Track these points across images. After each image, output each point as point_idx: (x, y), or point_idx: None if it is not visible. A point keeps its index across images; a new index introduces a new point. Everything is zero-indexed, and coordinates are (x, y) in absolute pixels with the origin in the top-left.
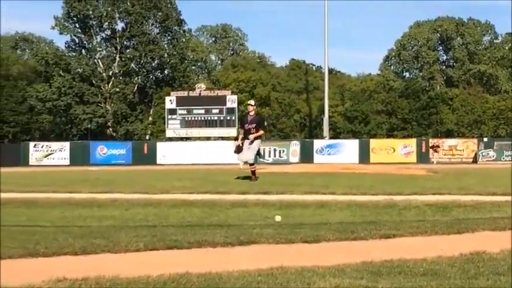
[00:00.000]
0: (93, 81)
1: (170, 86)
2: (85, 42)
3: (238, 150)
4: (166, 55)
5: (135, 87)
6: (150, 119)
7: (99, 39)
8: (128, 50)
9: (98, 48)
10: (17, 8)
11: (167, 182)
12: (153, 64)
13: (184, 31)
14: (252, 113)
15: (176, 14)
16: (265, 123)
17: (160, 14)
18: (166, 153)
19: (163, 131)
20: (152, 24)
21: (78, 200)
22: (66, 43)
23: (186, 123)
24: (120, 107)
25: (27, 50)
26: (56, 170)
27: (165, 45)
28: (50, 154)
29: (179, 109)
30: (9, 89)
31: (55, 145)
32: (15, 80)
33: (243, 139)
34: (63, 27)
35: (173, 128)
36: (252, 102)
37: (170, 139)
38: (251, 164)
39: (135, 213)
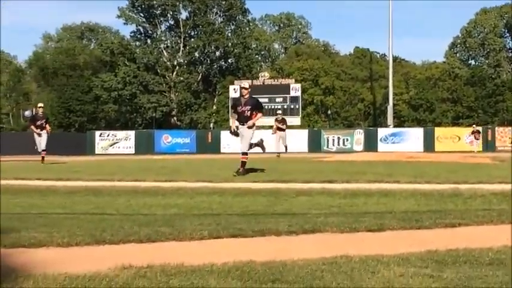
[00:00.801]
0: (158, 71)
1: (234, 75)
2: (150, 31)
3: (235, 134)
4: (230, 44)
5: (199, 77)
6: (214, 107)
7: (163, 29)
8: (192, 40)
9: (163, 38)
10: None
11: (231, 171)
12: (217, 53)
13: (248, 20)
14: (246, 96)
15: (240, 3)
16: (260, 106)
17: (224, 3)
18: (230, 141)
19: (227, 119)
20: (216, 13)
21: (143, 188)
22: (131, 33)
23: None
24: (185, 96)
25: (93, 40)
26: (122, 158)
27: (229, 35)
28: (116, 143)
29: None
30: (75, 79)
31: (120, 134)
32: (81, 70)
33: (238, 122)
34: (128, 17)
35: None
36: (247, 85)
37: None
38: (244, 153)
39: (199, 202)
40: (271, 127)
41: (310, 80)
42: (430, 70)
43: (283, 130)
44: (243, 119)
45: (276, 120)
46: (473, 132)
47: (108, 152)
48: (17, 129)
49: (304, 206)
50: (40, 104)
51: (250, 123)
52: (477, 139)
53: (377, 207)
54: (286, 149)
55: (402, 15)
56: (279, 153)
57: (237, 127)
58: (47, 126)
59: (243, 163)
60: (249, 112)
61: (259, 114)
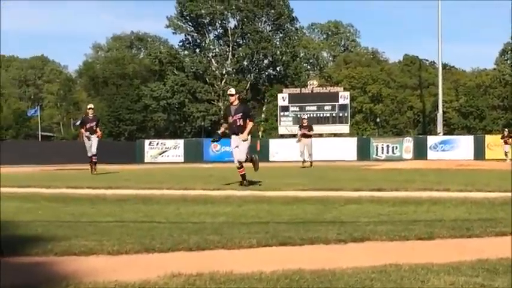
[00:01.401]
0: (207, 79)
1: (282, 83)
2: (198, 40)
3: (217, 139)
4: (278, 52)
5: (248, 85)
6: (263, 116)
7: (212, 37)
8: (240, 48)
9: (211, 46)
10: (132, 8)
11: (280, 179)
12: (266, 61)
13: (296, 28)
14: (235, 103)
15: (288, 11)
16: (251, 113)
17: (273, 11)
18: (279, 150)
19: (275, 128)
20: (265, 22)
21: (192, 196)
22: (180, 42)
23: (299, 120)
24: None
25: (142, 49)
26: (171, 167)
27: (277, 43)
28: (165, 151)
29: (291, 106)
30: (125, 88)
31: (169, 142)
32: (131, 79)
33: (231, 133)
34: (176, 26)
35: (285, 125)
36: (233, 91)
37: (282, 136)
38: (239, 167)
39: (247, 210)
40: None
41: (358, 88)
42: (480, 77)
43: (309, 137)
44: (235, 129)
45: (301, 126)
46: (503, 137)
47: (158, 161)
48: (67, 138)
49: (353, 214)
50: (90, 105)
51: (244, 135)
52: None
53: (427, 216)
54: (310, 157)
55: (452, 23)
56: (304, 161)
57: (222, 133)
58: (98, 129)
59: (243, 176)
60: (241, 120)
61: (250, 124)
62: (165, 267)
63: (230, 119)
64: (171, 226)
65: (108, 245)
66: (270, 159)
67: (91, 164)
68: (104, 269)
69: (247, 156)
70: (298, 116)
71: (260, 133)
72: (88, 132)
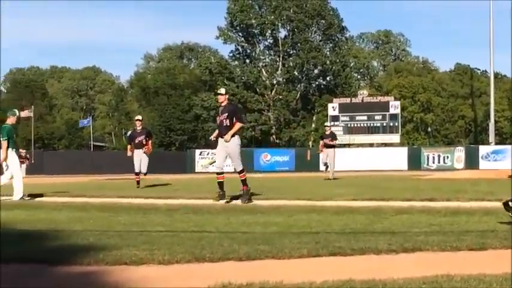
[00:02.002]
0: (257, 89)
1: (332, 93)
2: (248, 50)
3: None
4: (328, 62)
5: (298, 95)
6: (313, 125)
7: (262, 48)
8: (290, 58)
9: (261, 57)
10: (183, 19)
11: (330, 189)
12: (316, 71)
13: (346, 38)
14: (223, 103)
15: (338, 21)
16: (242, 114)
17: (323, 21)
18: None
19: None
20: (315, 32)
21: (243, 206)
22: (230, 52)
23: (349, 130)
24: (283, 114)
25: (192, 60)
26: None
27: (327, 53)
28: (215, 161)
29: (342, 116)
30: (175, 98)
31: None
32: (182, 89)
33: (218, 136)
34: (227, 36)
35: (336, 134)
36: (223, 90)
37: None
38: (240, 171)
39: (298, 220)
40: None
41: (409, 97)
42: None
43: (332, 147)
44: (222, 130)
45: (324, 134)
46: None
47: (208, 171)
48: (119, 148)
49: (404, 224)
50: (138, 117)
51: (227, 136)
52: None
53: (479, 226)
54: (332, 169)
55: (504, 31)
56: (326, 168)
57: (216, 140)
58: (149, 143)
59: (221, 184)
60: (228, 121)
61: (238, 125)
62: (215, 277)
63: (218, 119)
64: (221, 236)
65: (159, 255)
66: (321, 169)
67: (137, 179)
68: (154, 278)
69: (242, 166)
70: (349, 125)
71: (310, 143)
72: (139, 149)
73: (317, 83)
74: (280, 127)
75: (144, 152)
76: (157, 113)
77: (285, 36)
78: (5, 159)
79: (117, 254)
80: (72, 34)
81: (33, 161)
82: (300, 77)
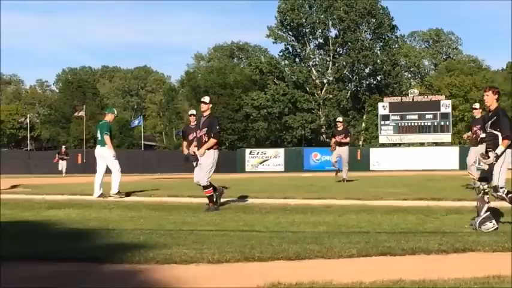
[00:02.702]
0: (307, 88)
1: (382, 92)
2: (298, 50)
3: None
4: (379, 61)
5: (348, 94)
6: (363, 125)
7: (312, 47)
8: (340, 57)
9: (311, 56)
10: (233, 18)
11: (380, 189)
12: (366, 71)
13: (396, 37)
14: (205, 113)
15: (389, 20)
16: (218, 127)
17: (373, 20)
18: (380, 159)
19: (376, 137)
20: (365, 31)
21: (292, 205)
22: (280, 51)
23: (400, 129)
24: (333, 113)
25: (243, 59)
26: (271, 176)
27: (378, 52)
28: (265, 160)
29: (392, 115)
30: (226, 97)
31: (270, 152)
32: (232, 89)
33: (195, 146)
34: (277, 36)
35: (386, 133)
36: (207, 99)
37: (383, 145)
38: (205, 187)
39: (348, 219)
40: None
41: (460, 96)
42: None
43: (345, 144)
44: (200, 145)
45: (336, 131)
46: None
47: (258, 170)
48: (169, 148)
49: (455, 224)
50: (191, 111)
51: (201, 151)
52: None
53: None
54: (346, 170)
55: None
56: (337, 172)
57: (193, 153)
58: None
59: (210, 198)
60: (206, 137)
61: (212, 141)
62: (265, 276)
63: (198, 133)
64: (271, 235)
65: (209, 254)
66: (371, 168)
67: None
68: (203, 277)
69: (208, 182)
70: (399, 125)
71: (361, 142)
72: (193, 147)
73: (367, 82)
74: (330, 126)
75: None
76: None
77: (336, 35)
78: (114, 154)
79: (167, 252)
80: (124, 34)
81: (84, 160)
82: (350, 76)
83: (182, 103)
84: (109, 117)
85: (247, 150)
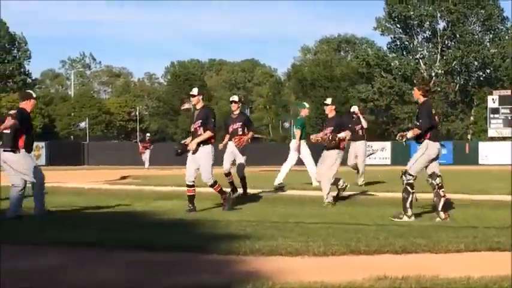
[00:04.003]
0: (414, 81)
1: (492, 85)
2: (406, 42)
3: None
4: (489, 54)
5: (457, 87)
6: (472, 118)
7: (420, 39)
8: (449, 50)
9: (419, 48)
10: (340, 10)
11: (488, 183)
12: (476, 63)
13: (507, 28)
14: (198, 106)
15: (499, 11)
16: (212, 120)
17: (483, 12)
18: (489, 153)
19: (485, 130)
20: (474, 22)
21: (398, 199)
22: (387, 44)
23: (509, 123)
24: (441, 107)
25: (349, 52)
26: (378, 169)
27: (488, 44)
28: (372, 154)
29: (502, 108)
30: (332, 91)
31: (376, 145)
32: (339, 82)
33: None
34: (384, 28)
35: (495, 127)
36: (195, 91)
37: (492, 139)
38: (212, 185)
39: (455, 213)
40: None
41: None
42: None
43: (362, 138)
44: (193, 137)
45: (353, 120)
46: None
47: (367, 163)
48: (276, 140)
49: None
50: (233, 98)
51: (192, 145)
52: None
53: None
54: (362, 168)
55: None
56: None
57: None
58: (247, 133)
59: (221, 192)
60: (201, 129)
61: (208, 133)
62: (371, 270)
63: (193, 126)
64: (376, 228)
65: (314, 246)
66: (480, 162)
67: (229, 180)
68: (308, 270)
69: (213, 180)
70: (510, 118)
71: (469, 136)
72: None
73: (476, 75)
74: (440, 119)
75: (237, 146)
76: (314, 105)
77: (444, 27)
78: (298, 147)
79: (273, 244)
80: (232, 27)
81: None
82: (459, 69)
83: (289, 96)
84: (304, 112)
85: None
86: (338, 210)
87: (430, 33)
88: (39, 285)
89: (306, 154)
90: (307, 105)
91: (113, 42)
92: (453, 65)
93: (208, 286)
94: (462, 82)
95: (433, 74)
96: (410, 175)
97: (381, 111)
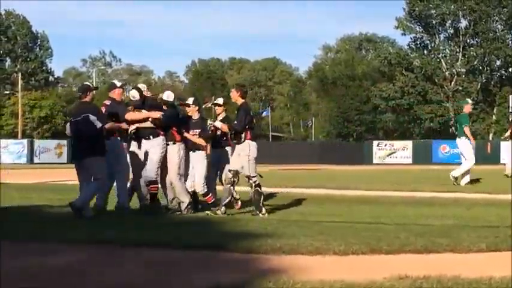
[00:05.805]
0: (436, 80)
1: None
2: (427, 41)
3: None
4: (511, 53)
5: (479, 86)
6: (494, 118)
7: (441, 38)
8: (471, 48)
9: (441, 47)
10: (361, 9)
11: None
12: (498, 62)
13: None
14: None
15: None
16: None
17: (505, 10)
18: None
19: (507, 129)
20: (496, 21)
21: (419, 198)
22: (408, 43)
23: None
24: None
25: (371, 51)
26: (399, 169)
27: (510, 43)
28: (393, 153)
29: None
30: (354, 89)
31: (398, 144)
32: (360, 80)
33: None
34: (405, 27)
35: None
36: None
37: None
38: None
39: (476, 213)
40: None
41: None
42: None
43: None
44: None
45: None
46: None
47: (386, 162)
48: (296, 139)
49: None
50: (218, 101)
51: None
52: None
53: None
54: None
55: None
56: None
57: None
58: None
59: (153, 196)
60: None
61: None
62: (391, 269)
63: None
64: (397, 228)
65: (335, 245)
66: (501, 161)
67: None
68: (328, 268)
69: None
70: None
71: (491, 135)
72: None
73: (499, 74)
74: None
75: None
76: (335, 104)
77: (466, 26)
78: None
79: (293, 243)
80: (252, 26)
81: None
82: (481, 68)
83: (309, 95)
84: (467, 108)
85: (375, 143)
86: (358, 209)
87: (452, 31)
88: (46, 285)
89: (467, 151)
90: (470, 101)
91: (133, 41)
92: (475, 63)
93: (229, 284)
94: (484, 81)
95: (455, 72)
96: (254, 176)
97: (402, 110)
